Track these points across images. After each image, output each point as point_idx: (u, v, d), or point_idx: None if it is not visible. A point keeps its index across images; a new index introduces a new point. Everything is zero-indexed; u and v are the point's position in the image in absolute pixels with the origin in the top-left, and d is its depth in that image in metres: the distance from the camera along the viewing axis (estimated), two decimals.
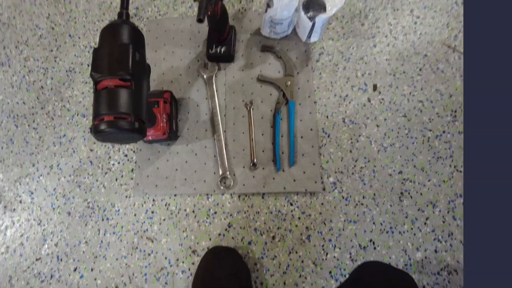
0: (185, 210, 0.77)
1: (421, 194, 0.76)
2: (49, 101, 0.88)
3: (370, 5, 0.90)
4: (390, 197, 0.76)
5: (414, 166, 0.78)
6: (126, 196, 0.79)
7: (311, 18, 0.78)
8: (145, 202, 0.79)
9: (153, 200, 0.79)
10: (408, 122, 0.81)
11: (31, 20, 0.96)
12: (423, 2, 0.90)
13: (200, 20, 0.59)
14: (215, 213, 0.77)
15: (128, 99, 0.55)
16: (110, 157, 0.82)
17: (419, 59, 0.86)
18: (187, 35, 0.89)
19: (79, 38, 0.93)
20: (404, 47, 0.87)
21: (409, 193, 0.76)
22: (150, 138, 0.74)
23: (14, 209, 0.82)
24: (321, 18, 0.77)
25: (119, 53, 0.55)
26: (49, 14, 0.96)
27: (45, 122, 0.87)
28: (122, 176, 0.81)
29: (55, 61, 0.92)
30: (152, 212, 0.78)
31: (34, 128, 0.87)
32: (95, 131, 0.54)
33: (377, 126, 0.81)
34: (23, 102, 0.89)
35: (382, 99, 0.83)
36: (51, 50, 0.93)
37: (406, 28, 0.88)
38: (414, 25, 0.88)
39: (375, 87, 0.84)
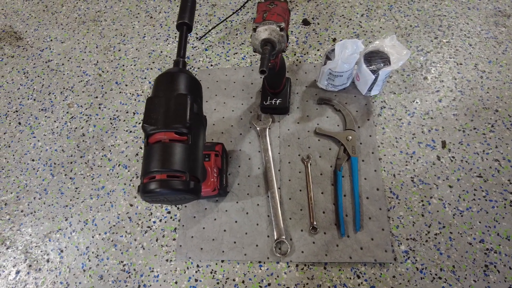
0: (234, 279, 0.67)
1: (510, 268, 0.65)
2: (89, 150, 0.83)
3: (431, 59, 0.86)
4: (473, 270, 0.65)
5: (498, 234, 0.67)
6: (167, 260, 0.70)
7: (374, 71, 0.74)
8: (188, 267, 0.69)
9: (197, 265, 0.69)
10: (485, 183, 0.72)
11: (79, 67, 0.95)
12: (487, 57, 0.85)
13: (263, 72, 0.54)
14: (269, 284, 0.66)
15: (184, 155, 0.48)
16: (151, 214, 0.75)
17: (490, 114, 0.79)
18: (239, 85, 0.85)
19: (126, 85, 0.91)
20: (472, 102, 0.80)
21: (495, 266, 0.65)
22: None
23: (39, 269, 0.73)
24: (384, 71, 0.73)
25: (176, 104, 0.50)
26: (97, 61, 0.95)
27: (83, 172, 0.81)
28: (163, 236, 0.72)
29: (99, 108, 0.88)
30: (196, 280, 0.68)
31: (71, 178, 0.81)
32: (144, 190, 0.47)
33: (450, 187, 0.72)
34: (62, 150, 0.84)
35: (453, 157, 0.75)
36: (96, 97, 0.90)
37: (472, 82, 0.82)
38: (481, 79, 0.83)
39: (444, 144, 0.76)
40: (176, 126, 0.49)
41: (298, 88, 0.84)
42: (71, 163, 0.83)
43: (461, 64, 0.85)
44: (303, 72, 0.86)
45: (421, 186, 0.72)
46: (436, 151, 0.75)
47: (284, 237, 0.68)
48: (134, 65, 0.93)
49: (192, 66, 0.91)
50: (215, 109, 0.83)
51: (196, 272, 0.69)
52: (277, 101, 0.78)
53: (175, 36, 0.96)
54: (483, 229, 0.68)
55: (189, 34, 0.94)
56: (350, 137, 0.76)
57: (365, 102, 0.81)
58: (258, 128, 0.79)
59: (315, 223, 0.69)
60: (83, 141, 0.85)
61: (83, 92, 0.91)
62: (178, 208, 0.74)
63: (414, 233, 0.68)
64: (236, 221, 0.71)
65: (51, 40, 1.01)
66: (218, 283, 0.67)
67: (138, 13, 1.03)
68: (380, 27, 0.92)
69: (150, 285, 0.69)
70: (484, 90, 0.81)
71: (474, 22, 0.91)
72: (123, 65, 0.94)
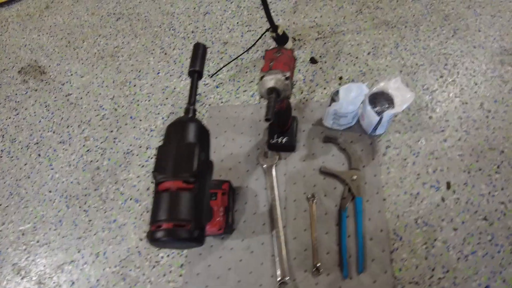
0: None
1: None
2: (103, 183, 0.87)
3: (436, 98, 0.87)
4: None
5: (504, 281, 0.67)
6: None
7: (379, 113, 0.76)
8: None
9: None
10: (491, 227, 0.72)
11: (96, 101, 1.00)
12: (493, 96, 0.86)
13: (268, 120, 0.57)
14: None
15: (190, 203, 0.51)
16: (159, 249, 0.77)
17: (496, 155, 0.79)
18: (248, 122, 0.88)
19: (140, 120, 0.95)
20: (477, 142, 0.81)
21: None
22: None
23: None
24: (388, 114, 0.74)
25: (185, 153, 0.53)
26: (113, 96, 1.00)
27: (97, 205, 0.85)
28: (170, 272, 0.74)
29: (114, 142, 0.93)
30: None
31: (84, 211, 0.84)
32: (151, 238, 0.49)
33: (454, 229, 0.72)
34: (78, 182, 0.88)
35: (458, 198, 0.75)
36: (111, 131, 0.94)
37: (478, 122, 0.83)
38: (486, 119, 0.83)
39: (448, 185, 0.77)
40: (184, 175, 0.52)
41: (305, 125, 0.86)
42: (86, 195, 0.86)
43: (466, 103, 0.86)
44: (310, 110, 0.88)
45: (425, 228, 0.73)
46: (440, 192, 0.76)
47: (288, 277, 0.69)
48: (149, 101, 0.98)
49: (203, 103, 0.94)
50: (224, 145, 0.86)
51: None
52: (284, 139, 0.81)
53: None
54: (488, 274, 0.67)
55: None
56: (355, 176, 0.77)
57: (370, 141, 0.82)
58: (264, 166, 0.81)
59: (318, 264, 0.70)
60: (98, 174, 0.89)
61: (99, 125, 0.96)
62: None
63: (417, 276, 0.68)
64: (241, 260, 0.73)
65: (72, 75, 1.07)
66: None
67: (153, 49, 1.08)
68: (386, 65, 0.94)
69: None
70: (490, 130, 0.82)
71: (479, 60, 0.92)
72: (138, 100, 0.98)
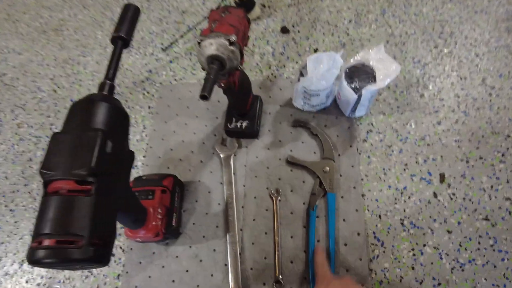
0: None
1: None
2: (35, 177, 0.73)
3: (429, 72, 0.73)
4: None
5: None
6: None
7: (357, 90, 0.62)
8: None
9: None
10: (493, 229, 0.58)
11: (34, 82, 0.86)
12: (498, 69, 0.72)
13: (204, 97, 0.43)
14: None
15: (85, 211, 0.37)
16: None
17: (500, 140, 0.65)
18: (204, 104, 0.74)
19: None
20: (478, 125, 0.67)
21: None
22: (138, 240, 0.56)
23: None
24: (369, 90, 0.60)
25: (82, 144, 0.39)
26: (54, 76, 0.86)
27: (26, 203, 0.71)
28: (105, 284, 0.61)
29: (51, 128, 0.79)
30: None
31: (11, 210, 0.71)
32: (30, 259, 0.36)
33: (449, 232, 0.59)
34: (6, 177, 0.75)
35: (453, 194, 0.62)
36: (48, 116, 0.80)
37: (479, 101, 0.69)
38: (489, 97, 0.69)
39: (442, 178, 0.63)
40: (77, 172, 0.38)
41: (271, 107, 0.72)
42: (14, 192, 0.73)
43: (465, 78, 0.72)
44: (278, 89, 0.74)
45: (413, 231, 0.59)
46: (432, 186, 0.62)
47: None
48: (92, 80, 0.83)
49: (154, 81, 0.80)
50: (174, 131, 0.72)
51: None
52: (243, 124, 0.67)
53: (139, 47, 0.86)
54: None
55: (153, 45, 0.83)
56: (328, 168, 0.63)
57: (348, 125, 0.68)
58: (221, 155, 0.67)
59: (280, 276, 0.57)
60: (29, 166, 0.75)
61: (35, 110, 0.82)
62: (123, 251, 0.63)
63: None
64: (187, 270, 0.60)
65: (9, 52, 0.92)
66: None
67: (103, 22, 0.93)
68: (371, 35, 0.79)
69: None
70: (493, 111, 0.68)
71: (482, 28, 0.77)
72: (80, 80, 0.84)
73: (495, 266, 0.56)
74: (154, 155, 0.70)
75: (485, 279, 0.55)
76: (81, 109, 0.43)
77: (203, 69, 0.51)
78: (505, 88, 0.70)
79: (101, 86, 0.47)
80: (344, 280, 0.48)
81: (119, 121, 0.45)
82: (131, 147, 0.67)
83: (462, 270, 0.56)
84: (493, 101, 0.69)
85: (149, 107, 0.77)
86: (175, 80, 0.79)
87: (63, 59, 0.88)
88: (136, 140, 0.74)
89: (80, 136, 0.40)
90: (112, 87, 0.47)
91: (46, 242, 0.36)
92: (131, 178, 0.62)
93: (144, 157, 0.71)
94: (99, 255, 0.38)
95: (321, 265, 0.52)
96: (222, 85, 0.53)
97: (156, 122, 0.74)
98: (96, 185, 0.39)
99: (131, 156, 0.47)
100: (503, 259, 0.56)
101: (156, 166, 0.69)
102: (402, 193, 0.62)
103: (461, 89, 0.70)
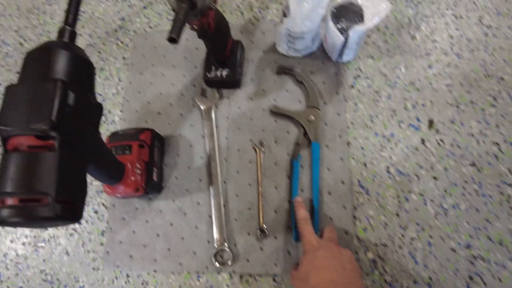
0: None
1: (499, 279, 0.53)
2: None
3: (423, 12, 0.68)
4: (453, 282, 0.53)
5: (489, 238, 0.54)
6: (94, 268, 0.60)
7: (344, 31, 0.57)
8: (116, 277, 0.59)
9: (127, 275, 0.59)
10: (479, 174, 0.58)
11: None
12: (496, 7, 0.67)
13: (172, 40, 0.39)
14: None
15: (49, 168, 0.35)
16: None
17: (493, 84, 0.62)
18: (181, 52, 0.69)
19: None
20: (471, 67, 0.63)
21: (481, 278, 0.53)
22: (119, 196, 0.55)
23: None
24: (357, 31, 0.56)
25: (40, 96, 0.36)
26: (18, 28, 0.79)
27: None
28: (90, 240, 0.61)
29: None
30: None
31: None
32: None
33: (435, 178, 0.58)
34: None
35: (441, 140, 0.60)
36: (18, 72, 0.75)
37: (474, 42, 0.65)
38: (485, 38, 0.65)
39: (431, 124, 0.61)
40: (37, 127, 0.35)
41: (254, 53, 0.67)
42: None
43: (461, 17, 0.67)
44: (261, 33, 0.69)
45: (399, 178, 0.58)
46: (420, 132, 0.61)
47: (226, 243, 0.56)
48: None
49: (127, 30, 0.74)
50: (151, 83, 0.68)
51: (125, 282, 0.58)
52: (224, 73, 0.63)
53: None
54: (471, 231, 0.55)
55: None
56: (312, 117, 0.61)
57: (335, 70, 0.64)
58: (202, 107, 0.64)
59: (264, 225, 0.57)
60: None
61: (1, 66, 0.76)
62: (106, 208, 0.63)
63: (386, 237, 0.56)
64: (171, 224, 0.59)
65: None
66: None
67: None
68: None
69: None
70: (489, 52, 0.64)
71: None
72: (48, 31, 0.78)
73: (478, 210, 0.56)
74: (131, 109, 0.67)
75: (467, 223, 0.55)
76: (38, 59, 0.40)
77: (173, 10, 0.46)
78: (503, 27, 0.65)
79: (60, 32, 0.43)
80: (330, 245, 0.48)
81: (82, 70, 0.42)
82: (107, 101, 0.63)
83: (446, 215, 0.56)
84: (488, 41, 0.65)
85: (123, 58, 0.72)
86: (150, 27, 0.74)
87: (27, 9, 0.81)
88: (112, 93, 0.70)
89: (38, 87, 0.37)
90: (73, 34, 0.43)
91: (9, 201, 0.34)
92: (108, 134, 0.59)
93: (121, 111, 0.68)
94: (68, 212, 0.37)
95: (305, 229, 0.51)
96: (195, 27, 0.49)
97: (132, 74, 0.69)
98: (59, 140, 0.36)
99: (99, 109, 0.43)
100: (486, 203, 0.56)
101: (134, 120, 0.66)
102: (389, 140, 0.60)
103: (455, 29, 0.66)
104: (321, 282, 0.44)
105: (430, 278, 0.53)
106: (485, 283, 0.53)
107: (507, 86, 0.62)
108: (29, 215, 0.34)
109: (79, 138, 0.39)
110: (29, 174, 0.35)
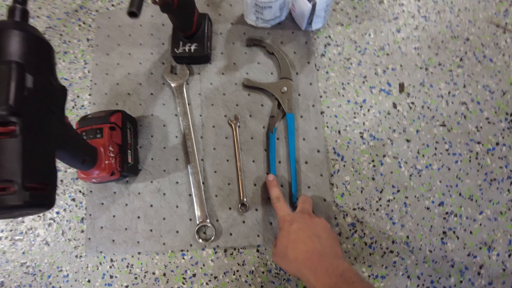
0: (154, 273, 0.57)
1: (470, 232, 0.56)
2: None
3: None
4: (429, 239, 0.56)
5: (460, 194, 0.57)
6: (77, 256, 0.59)
7: None
8: (101, 263, 0.59)
9: (111, 260, 0.58)
10: (449, 133, 0.60)
11: None
12: None
13: (132, 14, 0.37)
14: (194, 275, 0.57)
15: (12, 154, 0.34)
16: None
17: (459, 45, 0.63)
18: (147, 29, 0.67)
19: None
20: (438, 30, 0.64)
21: (454, 232, 0.56)
22: (94, 181, 0.54)
23: None
24: None
25: None
26: None
27: None
28: (70, 229, 0.60)
29: None
30: (111, 277, 0.58)
31: None
32: None
33: (407, 141, 0.60)
34: None
35: (412, 103, 0.61)
36: None
37: (440, 3, 0.65)
38: None
39: (402, 87, 0.62)
40: None
41: (222, 26, 0.66)
42: None
43: None
44: (228, 5, 0.67)
45: (372, 143, 0.60)
46: (392, 96, 0.62)
47: (208, 219, 0.57)
48: None
49: (89, 9, 0.70)
50: (118, 64, 0.65)
51: (110, 267, 0.58)
52: (192, 47, 0.61)
53: None
54: (443, 189, 0.57)
55: None
56: (285, 88, 0.60)
57: (305, 39, 0.64)
58: (173, 85, 0.63)
59: (245, 199, 0.57)
60: None
61: None
62: (83, 194, 0.61)
63: (363, 201, 0.57)
64: (151, 205, 0.59)
65: None
66: (136, 278, 0.57)
67: None
68: None
69: (60, 287, 0.59)
70: (454, 13, 0.65)
71: None
72: (1, 15, 0.73)
73: (449, 169, 0.58)
74: (100, 92, 0.64)
75: (440, 181, 0.58)
76: None
77: None
78: None
79: (10, 11, 0.40)
80: (303, 217, 0.49)
81: (39, 51, 0.39)
82: (74, 86, 0.61)
83: (419, 176, 0.58)
84: (454, 2, 0.65)
85: (87, 40, 0.69)
86: (113, 5, 0.70)
87: None
88: (79, 77, 0.67)
89: None
90: (25, 12, 0.40)
91: None
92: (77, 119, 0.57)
93: (89, 95, 0.65)
94: (38, 198, 0.35)
95: (277, 207, 0.52)
96: (157, 0, 0.47)
97: (98, 56, 0.66)
98: (21, 125, 0.34)
99: (63, 91, 0.42)
100: (456, 161, 0.58)
101: (104, 103, 0.64)
102: (361, 106, 0.61)
103: None
104: (298, 254, 0.45)
105: (408, 237, 0.56)
106: (457, 237, 0.56)
107: (473, 46, 0.63)
108: None
109: (43, 122, 0.38)
110: None
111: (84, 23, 0.70)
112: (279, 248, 0.48)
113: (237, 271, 0.56)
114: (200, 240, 0.56)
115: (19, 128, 0.34)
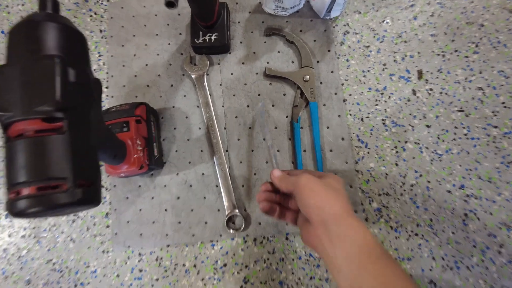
0: (184, 264, 0.58)
1: (490, 213, 0.58)
2: None
3: None
4: (451, 221, 0.58)
5: (479, 177, 0.59)
6: (104, 251, 0.59)
7: None
8: (129, 257, 0.58)
9: (139, 254, 0.58)
10: (467, 118, 0.61)
11: None
12: None
13: (170, 4, 0.37)
14: (225, 265, 0.57)
15: (61, 151, 0.33)
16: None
17: (474, 31, 0.65)
18: (163, 19, 0.65)
19: None
20: (453, 16, 0.65)
21: (475, 214, 0.58)
22: (122, 175, 0.53)
23: None
24: None
25: (38, 75, 0.33)
26: None
27: None
28: (94, 224, 0.60)
29: None
30: (140, 271, 0.58)
31: None
32: (12, 211, 0.32)
33: (427, 126, 0.61)
34: None
35: (431, 89, 0.62)
36: (1, 53, 0.68)
37: None
38: None
39: (420, 74, 0.63)
40: (41, 109, 0.33)
41: (240, 15, 0.65)
42: None
43: None
44: None
45: (394, 129, 0.61)
46: (411, 83, 0.62)
47: (237, 210, 0.57)
48: (23, 5, 0.70)
49: (98, 0, 0.68)
50: (135, 55, 0.64)
51: (139, 261, 0.58)
52: (212, 37, 0.60)
53: None
54: (463, 173, 0.59)
55: None
56: (308, 76, 0.61)
57: (324, 27, 0.64)
58: (193, 76, 0.62)
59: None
60: None
61: None
62: (106, 189, 0.61)
63: (388, 186, 0.59)
64: (178, 197, 0.59)
65: None
66: (166, 270, 0.58)
67: None
68: None
69: (89, 283, 0.58)
70: (468, 0, 0.66)
71: None
72: (7, 6, 0.70)
73: (468, 153, 0.60)
74: (118, 85, 0.63)
75: (460, 165, 0.59)
76: (24, 34, 0.36)
77: None
78: None
79: (42, 3, 0.38)
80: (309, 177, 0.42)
81: (75, 43, 0.38)
82: None
83: (440, 160, 0.60)
84: None
85: (100, 31, 0.67)
86: None
87: None
88: (94, 70, 0.65)
89: (33, 66, 0.34)
90: (56, 4, 0.39)
91: (26, 191, 0.32)
92: None
93: (106, 88, 0.64)
94: (89, 195, 0.35)
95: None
96: None
97: (112, 47, 0.65)
98: (68, 121, 0.34)
99: (98, 84, 0.41)
100: (475, 145, 0.60)
101: (122, 96, 0.63)
102: (382, 93, 0.62)
103: None
104: (316, 202, 0.39)
105: (431, 220, 0.57)
106: (478, 218, 0.57)
107: (487, 32, 0.64)
108: (49, 203, 0.32)
109: (85, 117, 0.37)
110: (41, 160, 0.33)
111: (95, 13, 0.68)
112: (301, 217, 0.44)
113: (268, 259, 0.57)
114: (230, 230, 0.56)
115: (66, 124, 0.34)
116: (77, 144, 0.35)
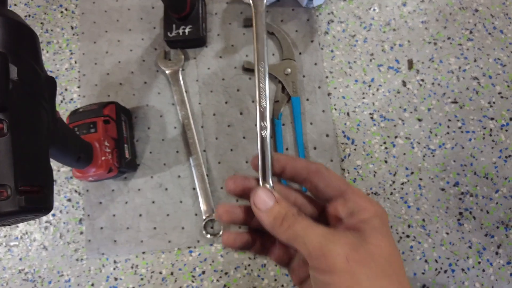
0: (161, 272, 0.54)
1: (487, 212, 0.54)
2: None
3: None
4: (445, 221, 0.54)
5: (475, 173, 0.55)
6: (77, 259, 0.56)
7: None
8: (104, 265, 0.55)
9: (114, 261, 0.55)
10: (461, 110, 0.57)
11: None
12: None
13: None
14: (203, 272, 0.54)
15: (3, 155, 0.30)
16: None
17: (468, 16, 0.60)
18: (136, 13, 0.62)
19: None
20: (445, 1, 0.61)
21: (470, 213, 0.54)
22: (91, 179, 0.50)
23: None
24: None
25: None
26: None
27: None
28: (68, 231, 0.57)
29: None
30: (116, 279, 0.55)
31: None
32: None
33: (419, 120, 0.57)
34: None
35: (422, 80, 0.58)
36: None
37: None
38: None
39: (410, 64, 0.59)
40: None
41: (217, 6, 0.61)
42: None
43: None
44: None
45: (383, 124, 0.57)
46: (401, 74, 0.58)
47: (214, 213, 0.54)
48: None
49: None
50: (107, 52, 0.61)
51: (114, 269, 0.55)
52: (187, 30, 0.57)
53: None
54: (458, 169, 0.55)
55: None
56: (289, 69, 0.57)
57: (307, 16, 0.60)
58: (167, 72, 0.58)
59: None
60: None
61: None
62: (79, 194, 0.58)
63: (376, 185, 0.55)
64: (153, 202, 0.55)
65: None
66: (142, 279, 0.54)
67: None
68: None
69: None
70: None
71: None
72: None
73: (463, 147, 0.56)
74: (90, 83, 0.60)
75: (454, 161, 0.55)
76: None
77: None
78: None
79: None
80: None
81: (21, 38, 0.35)
82: (61, 78, 0.56)
83: (433, 156, 0.56)
84: None
85: (72, 28, 0.64)
86: None
87: None
88: (65, 69, 0.62)
89: None
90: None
91: None
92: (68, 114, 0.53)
93: (78, 87, 0.61)
94: (34, 203, 0.32)
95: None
96: None
97: (84, 44, 0.62)
98: (9, 122, 0.31)
99: (51, 82, 0.37)
100: (470, 139, 0.56)
101: (94, 95, 0.59)
102: (369, 86, 0.58)
103: None
104: None
105: (423, 220, 0.54)
106: (474, 218, 0.54)
107: (482, 18, 0.60)
108: None
109: (32, 118, 0.34)
110: None
111: (66, 9, 0.64)
112: None
113: (249, 265, 0.54)
114: (208, 236, 0.53)
115: (7, 125, 0.30)
116: (20, 147, 0.31)
